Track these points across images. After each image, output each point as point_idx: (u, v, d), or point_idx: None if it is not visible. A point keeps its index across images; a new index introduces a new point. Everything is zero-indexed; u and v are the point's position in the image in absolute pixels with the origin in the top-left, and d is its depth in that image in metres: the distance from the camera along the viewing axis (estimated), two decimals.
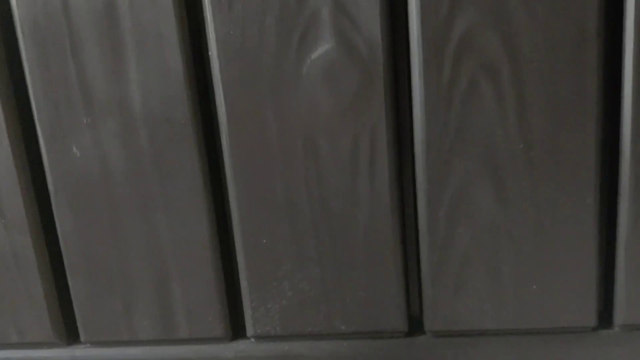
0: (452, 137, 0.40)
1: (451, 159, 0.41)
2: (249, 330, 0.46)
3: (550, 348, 0.45)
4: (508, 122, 0.40)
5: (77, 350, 0.48)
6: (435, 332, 0.45)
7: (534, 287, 0.43)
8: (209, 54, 0.41)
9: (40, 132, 0.43)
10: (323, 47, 0.40)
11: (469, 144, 0.41)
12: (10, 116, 0.43)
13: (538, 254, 0.42)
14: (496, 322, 0.44)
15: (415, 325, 0.46)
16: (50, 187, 0.44)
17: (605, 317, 0.44)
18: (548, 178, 0.41)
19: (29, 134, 0.44)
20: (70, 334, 0.48)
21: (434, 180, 0.41)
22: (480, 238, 0.42)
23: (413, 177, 0.43)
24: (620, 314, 0.44)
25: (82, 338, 0.48)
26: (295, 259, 0.44)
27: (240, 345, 0.47)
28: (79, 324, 0.47)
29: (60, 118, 0.43)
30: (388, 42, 0.40)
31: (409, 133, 0.42)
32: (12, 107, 0.43)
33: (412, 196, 0.44)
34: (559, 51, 0.39)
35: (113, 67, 0.41)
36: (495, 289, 0.43)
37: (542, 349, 0.45)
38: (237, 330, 0.47)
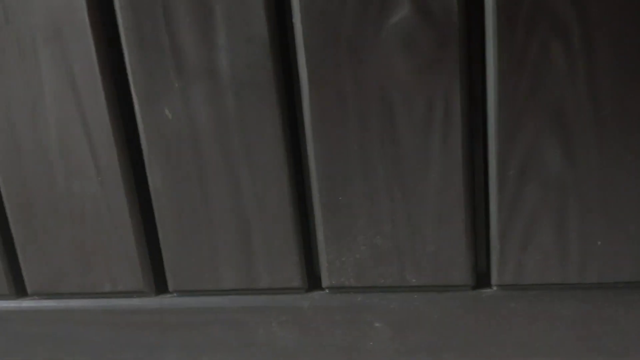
0: (523, 98, 0.42)
1: (522, 119, 0.43)
2: (325, 282, 0.49)
3: (613, 302, 0.47)
4: (578, 83, 0.42)
5: (165, 300, 0.53)
6: (502, 285, 0.48)
7: (599, 242, 0.45)
8: (293, 20, 0.43)
9: (135, 96, 0.47)
10: (401, 13, 0.42)
11: (540, 104, 0.42)
12: (107, 81, 0.47)
13: (603, 210, 0.44)
14: (561, 276, 0.46)
15: (482, 280, 0.49)
16: (144, 146, 0.48)
17: None
18: (615, 137, 0.43)
19: (124, 97, 0.48)
20: (159, 283, 0.53)
21: (504, 140, 0.43)
22: (548, 195, 0.44)
23: (484, 137, 0.45)
24: None
25: (170, 287, 0.52)
26: (369, 216, 0.47)
27: (315, 296, 0.50)
28: (167, 274, 0.51)
29: (153, 82, 0.46)
30: (462, 7, 0.42)
31: (481, 95, 0.44)
32: (109, 73, 0.47)
33: (482, 155, 0.46)
34: (628, 14, 0.40)
35: (202, 34, 0.44)
36: (561, 244, 0.46)
37: (606, 302, 0.47)
38: (313, 281, 0.51)
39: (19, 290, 0.55)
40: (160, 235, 0.50)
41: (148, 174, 0.49)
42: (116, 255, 0.51)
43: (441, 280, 0.48)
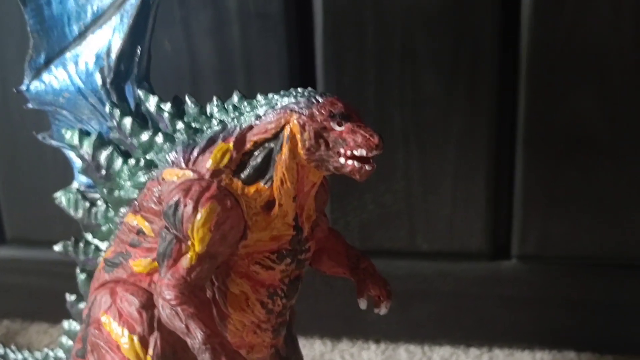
0: (561, 44, 0.38)
1: (555, 69, 0.39)
2: None
3: None
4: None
5: None
6: (522, 256, 0.43)
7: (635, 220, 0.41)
8: None
9: None
10: None
11: (575, 57, 0.38)
12: None
13: None
14: (590, 250, 0.42)
15: (500, 251, 0.44)
16: None
17: None
18: None
19: None
20: None
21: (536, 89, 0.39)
22: (580, 157, 0.40)
23: (515, 86, 0.40)
24: None
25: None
26: (379, 170, 0.43)
27: None
28: None
29: None
30: None
31: (514, 38, 0.40)
32: None
33: (511, 106, 0.41)
34: None
35: None
36: (593, 217, 0.41)
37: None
38: None
39: None
40: None
41: None
42: None
43: (455, 247, 0.43)
